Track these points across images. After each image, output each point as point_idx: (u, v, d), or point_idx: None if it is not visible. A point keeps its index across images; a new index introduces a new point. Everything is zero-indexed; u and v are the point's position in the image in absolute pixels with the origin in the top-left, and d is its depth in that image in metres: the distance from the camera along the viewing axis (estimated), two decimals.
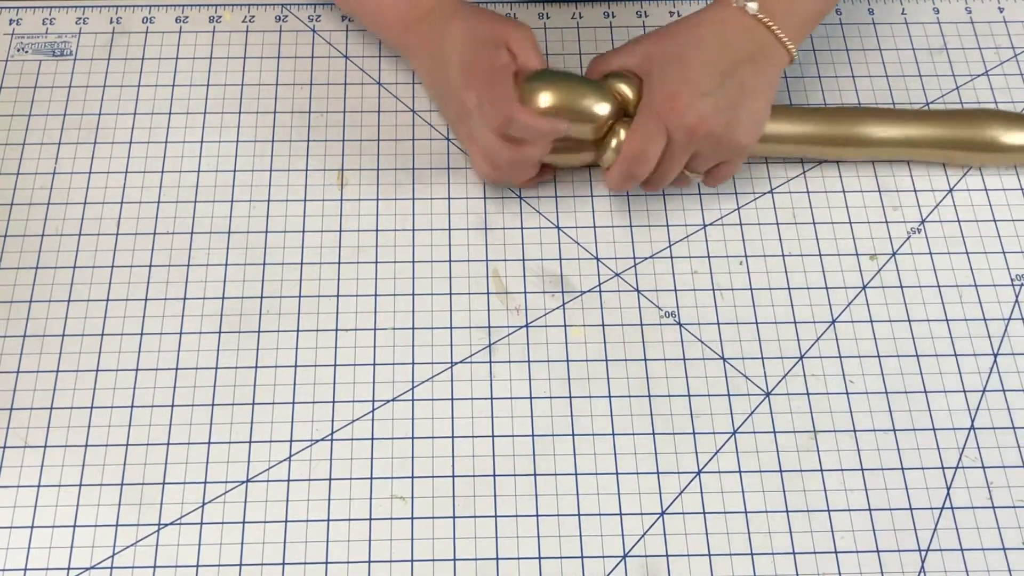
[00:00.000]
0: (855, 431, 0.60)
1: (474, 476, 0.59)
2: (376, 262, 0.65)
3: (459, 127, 0.65)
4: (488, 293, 0.64)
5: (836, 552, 0.57)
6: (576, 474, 0.59)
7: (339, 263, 0.65)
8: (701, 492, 0.58)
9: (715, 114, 0.60)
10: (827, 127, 0.67)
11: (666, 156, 0.61)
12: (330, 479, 0.58)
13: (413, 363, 0.62)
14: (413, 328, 0.63)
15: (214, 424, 0.60)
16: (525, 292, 0.64)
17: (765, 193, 0.68)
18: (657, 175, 0.63)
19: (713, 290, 0.64)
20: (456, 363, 0.62)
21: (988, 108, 0.70)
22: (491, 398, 0.61)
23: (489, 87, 0.60)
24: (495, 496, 0.58)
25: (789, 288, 0.65)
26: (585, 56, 0.72)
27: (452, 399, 0.61)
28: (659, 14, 0.75)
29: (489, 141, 0.61)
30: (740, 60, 0.61)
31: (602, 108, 0.62)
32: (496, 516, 0.58)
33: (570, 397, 0.61)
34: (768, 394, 0.61)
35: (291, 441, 0.59)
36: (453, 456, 0.59)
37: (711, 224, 0.67)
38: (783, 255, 0.66)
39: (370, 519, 0.57)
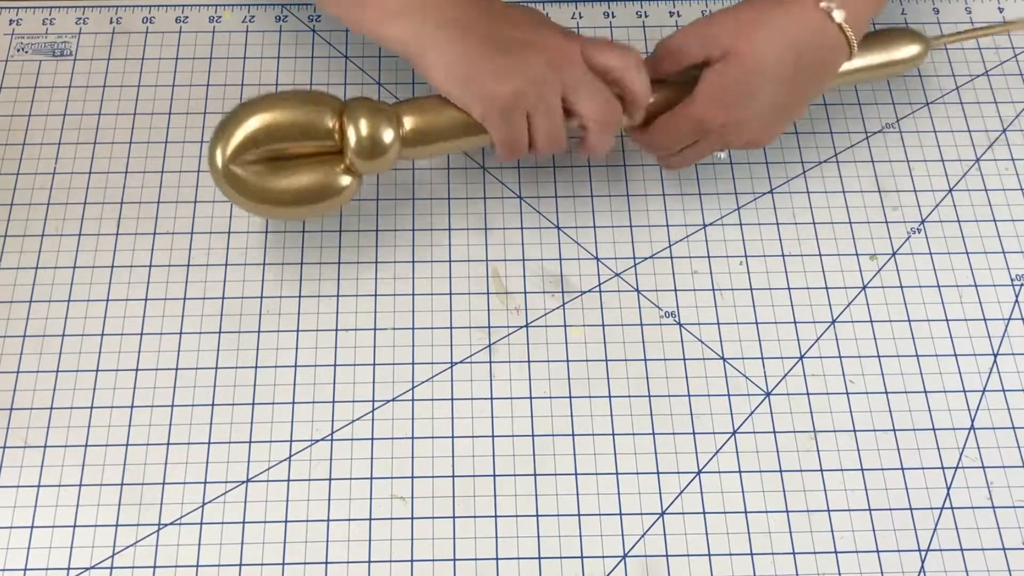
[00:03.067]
0: (855, 431, 0.60)
1: (474, 476, 0.59)
2: (376, 262, 0.65)
3: (512, 114, 0.57)
4: (488, 293, 0.64)
5: (836, 552, 0.57)
6: (576, 474, 0.59)
7: (339, 263, 0.65)
8: (701, 492, 0.58)
9: (761, 130, 0.59)
10: None
11: (693, 149, 0.60)
12: (330, 479, 0.58)
13: (413, 363, 0.62)
14: (413, 328, 0.63)
15: (214, 424, 0.60)
16: (525, 292, 0.64)
17: (765, 193, 0.68)
18: (676, 160, 0.62)
19: (713, 290, 0.64)
20: (456, 363, 0.62)
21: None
22: (491, 398, 0.61)
23: (567, 38, 0.56)
24: (495, 496, 0.58)
25: (789, 288, 0.65)
26: None
27: (452, 399, 0.61)
28: (659, 14, 0.75)
29: (600, 97, 0.56)
30: (812, 71, 0.58)
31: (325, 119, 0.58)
32: (496, 516, 0.58)
33: (570, 397, 0.61)
34: (768, 394, 0.61)
35: (291, 441, 0.59)
36: (453, 456, 0.59)
37: (711, 224, 0.67)
38: (783, 255, 0.66)
39: (370, 519, 0.57)
